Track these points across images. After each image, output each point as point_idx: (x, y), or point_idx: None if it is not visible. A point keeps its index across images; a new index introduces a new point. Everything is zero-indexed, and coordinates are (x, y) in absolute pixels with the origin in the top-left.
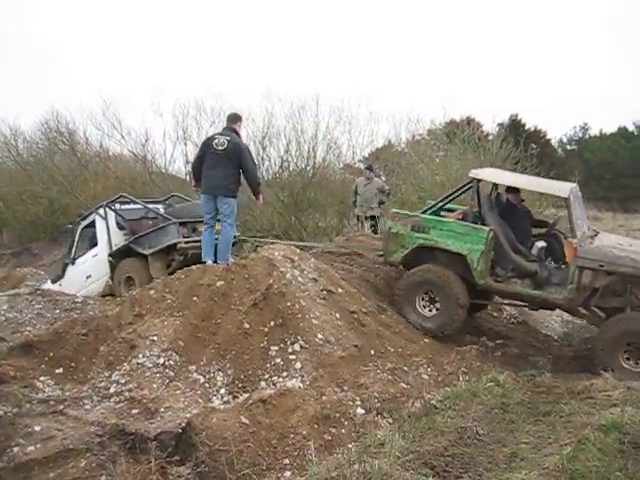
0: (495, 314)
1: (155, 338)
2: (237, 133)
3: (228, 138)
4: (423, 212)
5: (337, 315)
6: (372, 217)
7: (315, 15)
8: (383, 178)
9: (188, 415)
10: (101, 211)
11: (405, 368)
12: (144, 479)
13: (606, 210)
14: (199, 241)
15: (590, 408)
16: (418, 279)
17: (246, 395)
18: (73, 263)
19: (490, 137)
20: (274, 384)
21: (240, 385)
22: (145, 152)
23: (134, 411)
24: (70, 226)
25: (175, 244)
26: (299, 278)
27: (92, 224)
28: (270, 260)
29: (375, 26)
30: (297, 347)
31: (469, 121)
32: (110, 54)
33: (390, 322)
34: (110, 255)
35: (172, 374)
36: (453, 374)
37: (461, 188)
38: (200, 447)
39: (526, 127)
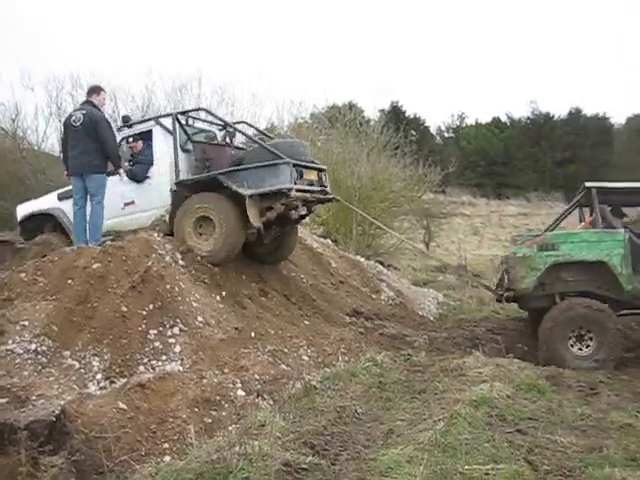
0: (373, 296)
1: (26, 323)
2: (96, 106)
3: (84, 112)
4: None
5: (218, 298)
6: None
7: None
8: None
9: (62, 402)
10: (166, 122)
11: (285, 350)
12: (13, 472)
13: (480, 196)
14: (309, 191)
15: (462, 385)
16: (568, 317)
17: (124, 380)
18: None
19: (371, 122)
20: (153, 368)
21: (118, 370)
22: (15, 127)
23: (2, 400)
24: None
25: (286, 190)
26: (179, 260)
27: (143, 136)
28: (148, 242)
29: (258, 8)
30: (177, 330)
31: (351, 106)
32: None
33: (271, 305)
34: (178, 184)
35: (45, 360)
36: (333, 355)
37: (575, 202)
38: (75, 435)
39: (406, 114)
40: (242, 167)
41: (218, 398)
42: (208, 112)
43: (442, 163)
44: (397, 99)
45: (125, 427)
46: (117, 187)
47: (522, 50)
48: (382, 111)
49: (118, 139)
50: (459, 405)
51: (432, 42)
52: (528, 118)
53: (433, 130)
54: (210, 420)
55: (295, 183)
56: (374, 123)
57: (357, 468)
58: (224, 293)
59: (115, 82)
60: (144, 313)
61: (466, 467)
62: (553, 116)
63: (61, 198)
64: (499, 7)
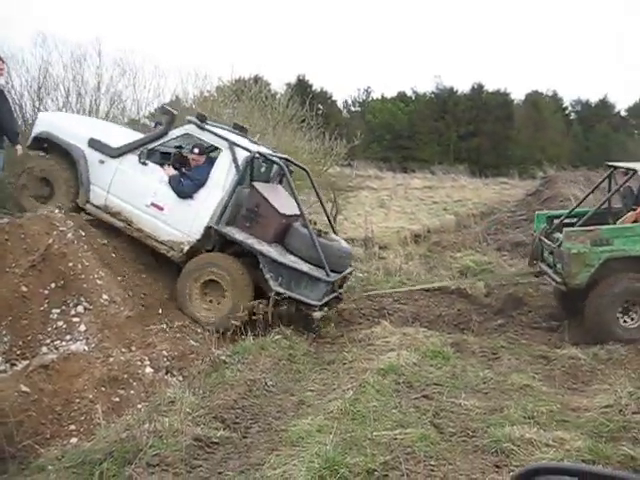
0: None
1: None
2: None
3: None
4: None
5: (124, 274)
6: None
7: None
8: None
9: None
10: (241, 154)
11: (194, 325)
12: None
13: (387, 170)
14: (327, 304)
15: (370, 354)
16: (619, 290)
17: (26, 362)
18: (146, 159)
19: (278, 96)
20: (57, 348)
21: (19, 352)
22: None
23: None
24: (173, 113)
25: (310, 306)
26: (83, 237)
27: (208, 148)
28: (49, 218)
29: None
30: (81, 309)
31: (257, 79)
32: None
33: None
34: (217, 228)
35: None
36: (242, 329)
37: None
38: None
39: (313, 88)
40: (285, 263)
41: (126, 376)
42: (289, 160)
43: (348, 136)
44: (304, 73)
45: (28, 410)
46: (154, 182)
47: (427, 26)
48: (288, 85)
49: (181, 132)
50: (367, 374)
51: (339, 17)
52: (432, 93)
53: (340, 104)
54: (118, 399)
55: (323, 298)
56: (280, 97)
57: (268, 440)
58: (130, 270)
59: (9, 50)
60: (46, 292)
61: (375, 433)
62: (457, 91)
63: (92, 145)
64: None
